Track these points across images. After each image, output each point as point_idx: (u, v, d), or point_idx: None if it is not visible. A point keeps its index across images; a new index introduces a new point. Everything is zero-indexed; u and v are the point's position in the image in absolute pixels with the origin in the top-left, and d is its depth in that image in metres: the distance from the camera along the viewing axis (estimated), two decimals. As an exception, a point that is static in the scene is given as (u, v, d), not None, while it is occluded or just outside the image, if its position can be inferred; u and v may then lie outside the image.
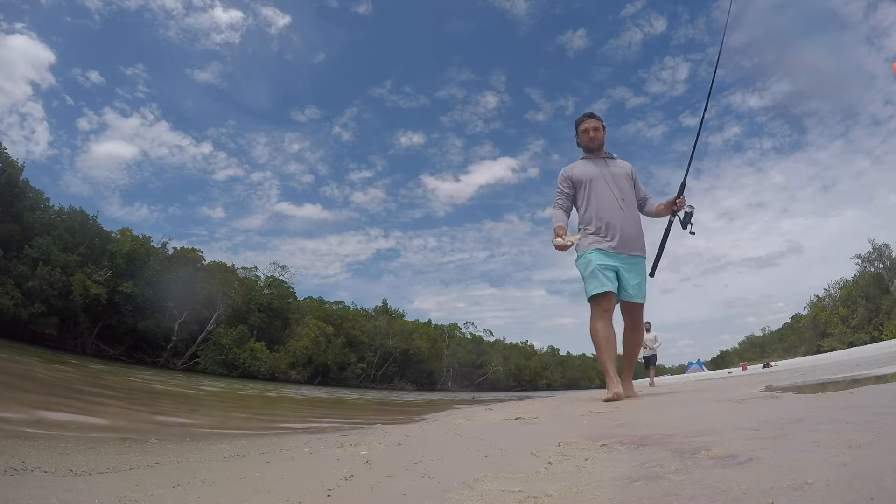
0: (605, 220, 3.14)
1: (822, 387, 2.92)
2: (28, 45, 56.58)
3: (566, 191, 3.29)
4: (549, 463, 1.12)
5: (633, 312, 3.24)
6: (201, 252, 34.39)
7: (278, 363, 31.09)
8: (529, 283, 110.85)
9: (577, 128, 3.39)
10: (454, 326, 54.55)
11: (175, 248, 32.21)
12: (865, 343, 30.04)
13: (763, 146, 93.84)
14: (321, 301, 44.01)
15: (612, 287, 3.02)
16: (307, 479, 1.15)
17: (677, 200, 3.20)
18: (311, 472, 1.27)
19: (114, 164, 69.37)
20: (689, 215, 3.20)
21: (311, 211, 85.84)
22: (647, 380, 10.96)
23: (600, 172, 3.25)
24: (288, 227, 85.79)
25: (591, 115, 3.39)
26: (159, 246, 30.71)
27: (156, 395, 6.70)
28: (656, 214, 3.33)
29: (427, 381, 45.17)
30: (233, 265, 35.88)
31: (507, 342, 62.36)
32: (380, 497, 0.97)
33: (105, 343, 25.12)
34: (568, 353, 74.47)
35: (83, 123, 65.91)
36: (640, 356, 11.33)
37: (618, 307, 3.20)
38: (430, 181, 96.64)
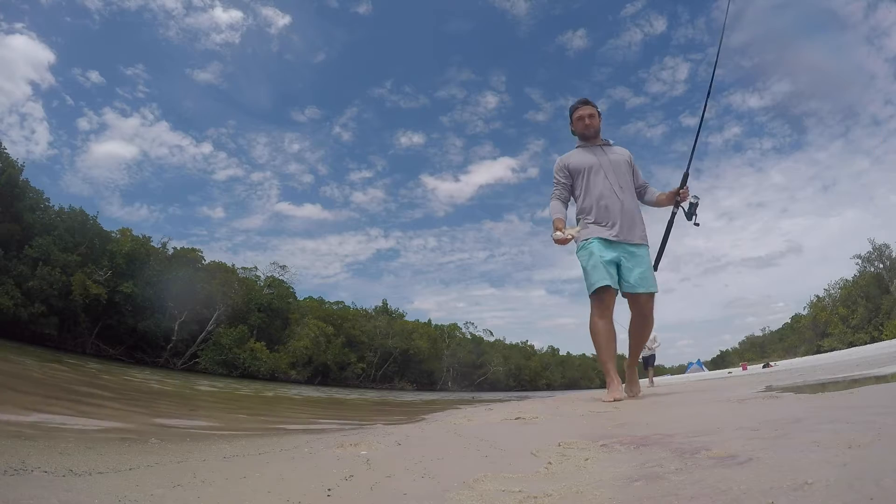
0: (604, 209, 3.04)
1: (822, 387, 2.91)
2: (28, 45, 56.65)
3: (563, 181, 3.18)
4: (549, 463, 1.12)
5: (640, 303, 3.05)
6: (201, 252, 34.43)
7: (278, 363, 31.09)
8: (529, 283, 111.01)
9: (570, 115, 3.27)
10: (454, 326, 54.59)
11: (175, 248, 32.24)
12: (865, 343, 30.03)
13: (763, 146, 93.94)
14: (321, 301, 44.02)
15: (612, 282, 2.91)
16: (307, 479, 1.15)
17: (681, 191, 3.10)
18: (311, 472, 1.27)
19: (114, 164, 69.44)
20: (693, 206, 3.09)
21: (311, 211, 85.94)
22: (647, 380, 10.96)
23: (598, 160, 3.14)
24: (288, 227, 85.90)
25: (585, 102, 3.26)
26: (159, 246, 30.72)
27: (155, 395, 6.70)
28: (657, 204, 3.23)
29: (427, 381, 45.17)
30: (233, 265, 35.94)
31: (507, 342, 62.45)
32: (380, 497, 0.97)
33: (105, 343, 25.12)
34: (568, 353, 74.57)
35: (83, 123, 65.98)
36: (641, 353, 11.35)
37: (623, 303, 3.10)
38: (430, 181, 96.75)
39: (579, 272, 3.10)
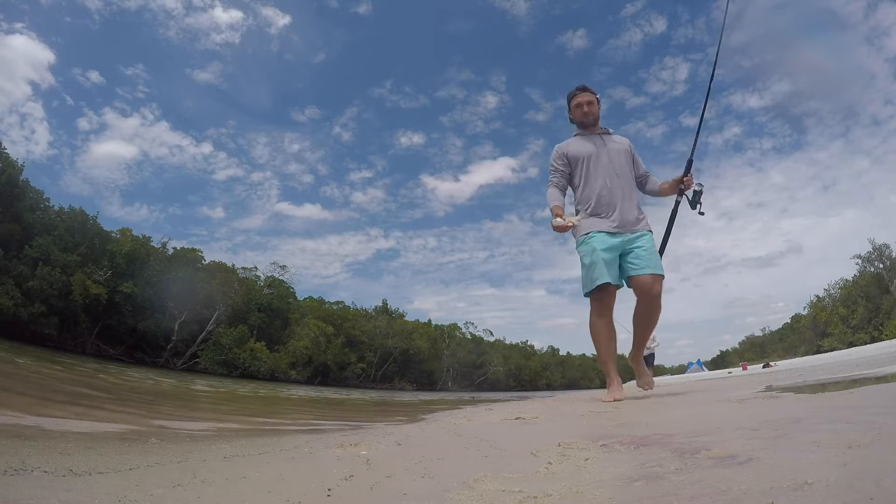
0: (604, 200, 2.94)
1: (822, 387, 2.91)
2: (28, 45, 56.53)
3: (562, 168, 3.07)
4: (549, 463, 1.12)
5: (647, 286, 2.85)
6: (201, 252, 34.43)
7: (278, 363, 31.09)
8: (529, 283, 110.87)
9: (569, 103, 3.15)
10: (454, 326, 54.60)
11: (175, 248, 32.25)
12: (865, 343, 29.99)
13: (763, 146, 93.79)
14: (321, 301, 44.02)
15: (611, 278, 2.81)
16: (307, 479, 1.15)
17: (685, 178, 2.99)
18: (311, 472, 1.27)
19: (114, 164, 69.34)
20: (697, 194, 2.98)
21: (311, 211, 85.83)
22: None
23: (597, 149, 3.03)
24: (288, 227, 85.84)
25: (583, 89, 3.14)
26: (159, 246, 30.73)
27: (155, 396, 6.70)
28: (660, 193, 3.13)
29: (427, 381, 45.16)
30: (233, 265, 35.94)
31: (507, 342, 62.42)
32: (380, 497, 0.97)
33: (105, 343, 25.12)
34: (568, 353, 74.56)
35: (83, 123, 65.88)
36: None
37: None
38: (429, 181, 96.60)
39: (579, 272, 3.00)
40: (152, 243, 29.92)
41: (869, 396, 1.87)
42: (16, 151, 43.00)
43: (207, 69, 79.09)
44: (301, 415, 5.44)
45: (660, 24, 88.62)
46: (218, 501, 0.97)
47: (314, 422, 4.32)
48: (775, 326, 64.04)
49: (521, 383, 57.60)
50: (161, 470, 1.29)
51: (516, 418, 2.39)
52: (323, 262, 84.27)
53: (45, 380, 6.60)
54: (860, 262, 38.78)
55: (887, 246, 36.92)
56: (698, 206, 2.99)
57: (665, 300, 2.98)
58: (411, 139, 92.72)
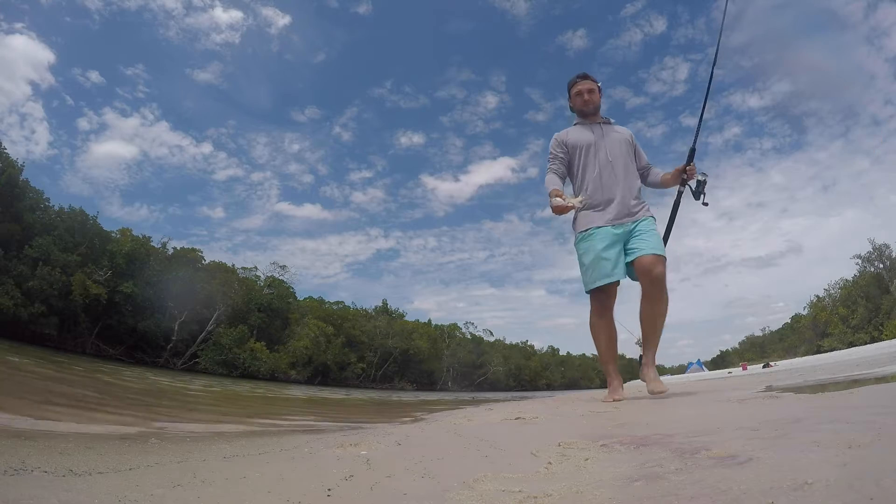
0: (604, 191, 2.83)
1: (822, 387, 2.91)
2: (28, 45, 56.66)
3: (561, 155, 2.95)
4: (549, 463, 1.12)
5: (648, 268, 2.66)
6: (201, 252, 34.45)
7: (278, 363, 31.09)
8: (529, 283, 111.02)
9: (569, 91, 3.04)
10: (454, 326, 54.59)
11: (175, 248, 32.25)
12: (865, 343, 30.01)
13: (763, 146, 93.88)
14: (321, 301, 44.03)
15: (612, 277, 2.73)
16: (307, 479, 1.15)
17: (687, 168, 2.88)
18: (311, 472, 1.27)
19: (114, 164, 69.48)
20: (701, 184, 2.87)
21: (311, 211, 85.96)
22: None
23: (596, 139, 2.92)
24: (288, 227, 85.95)
25: (584, 76, 3.02)
26: (159, 246, 30.74)
27: (155, 395, 6.70)
28: (663, 185, 3.04)
29: (427, 381, 45.16)
30: (233, 265, 35.94)
31: (507, 342, 62.42)
32: (380, 497, 0.97)
33: (105, 343, 25.12)
34: (568, 353, 74.57)
35: (83, 123, 66.02)
36: (639, 352, 11.23)
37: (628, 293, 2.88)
38: (429, 181, 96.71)
39: (579, 272, 2.93)
40: (152, 243, 29.94)
41: (869, 396, 1.87)
42: (16, 151, 43.08)
43: (207, 69, 79.27)
44: (301, 415, 5.44)
45: (660, 24, 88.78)
46: (218, 501, 0.97)
47: (314, 422, 4.32)
48: (775, 326, 64.12)
49: (521, 383, 57.58)
50: (161, 470, 1.29)
51: (516, 418, 2.39)
52: (323, 262, 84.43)
53: (45, 380, 6.60)
54: (860, 262, 38.82)
55: (887, 246, 36.96)
56: (702, 196, 2.88)
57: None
58: (411, 139, 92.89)
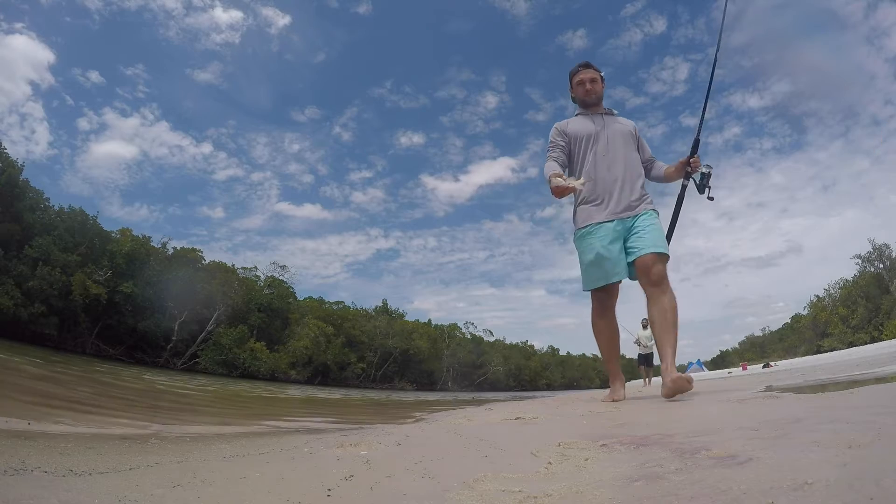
0: (604, 185, 2.73)
1: (822, 387, 2.91)
2: (28, 45, 56.78)
3: (561, 143, 2.84)
4: (549, 463, 1.12)
5: (645, 267, 2.57)
6: (201, 252, 34.50)
7: (278, 363, 31.09)
8: (529, 283, 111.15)
9: (571, 80, 2.94)
10: (454, 326, 54.62)
11: (175, 248, 32.29)
12: (865, 343, 30.04)
13: (763, 146, 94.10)
14: (321, 301, 44.05)
15: (612, 277, 2.66)
16: (307, 479, 1.15)
17: (691, 160, 2.76)
18: (311, 472, 1.27)
19: (114, 164, 69.62)
20: (706, 177, 2.75)
21: (311, 211, 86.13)
22: (643, 380, 10.87)
23: (598, 130, 2.81)
24: (288, 227, 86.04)
25: (586, 65, 2.92)
26: (159, 246, 30.76)
27: (155, 396, 6.70)
28: (666, 179, 2.92)
29: (427, 381, 45.17)
30: (233, 265, 35.97)
31: (507, 342, 62.51)
32: (380, 497, 0.97)
33: (105, 343, 25.12)
34: (568, 353, 74.65)
35: (83, 123, 66.17)
36: (638, 351, 11.21)
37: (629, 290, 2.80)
38: (429, 181, 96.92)
39: (579, 272, 2.86)
40: (152, 243, 29.97)
41: (869, 396, 1.87)
42: (16, 151, 43.19)
43: (207, 69, 79.49)
44: (301, 415, 5.44)
45: (660, 24, 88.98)
46: (218, 501, 0.96)
47: (314, 422, 4.32)
48: (775, 326, 64.19)
49: (521, 383, 57.60)
50: (161, 470, 1.29)
51: (516, 418, 2.39)
52: (323, 262, 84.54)
53: (45, 380, 6.60)
54: (860, 262, 38.87)
55: (887, 246, 37.00)
56: (707, 189, 2.75)
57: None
58: (411, 139, 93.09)
